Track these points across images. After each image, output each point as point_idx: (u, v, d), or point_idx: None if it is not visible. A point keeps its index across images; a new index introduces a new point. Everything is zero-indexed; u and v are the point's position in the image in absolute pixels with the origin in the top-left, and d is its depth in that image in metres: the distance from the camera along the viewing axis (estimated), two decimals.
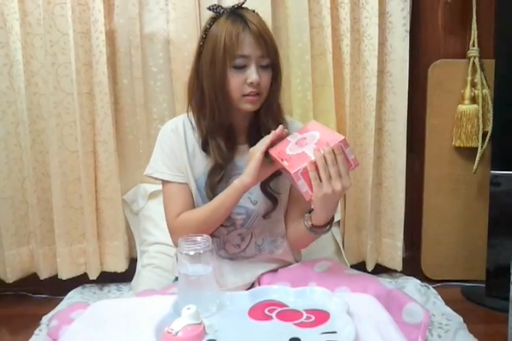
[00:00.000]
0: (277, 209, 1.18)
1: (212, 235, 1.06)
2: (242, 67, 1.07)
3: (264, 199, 1.16)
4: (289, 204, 1.22)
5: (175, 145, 1.16)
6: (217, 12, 1.10)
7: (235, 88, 1.08)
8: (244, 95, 1.09)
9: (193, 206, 1.17)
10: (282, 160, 1.00)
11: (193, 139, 1.16)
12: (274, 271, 1.21)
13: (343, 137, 0.98)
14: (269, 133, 1.06)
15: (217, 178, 1.12)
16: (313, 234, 1.11)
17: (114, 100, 1.64)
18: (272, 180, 1.14)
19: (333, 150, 0.95)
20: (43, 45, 1.56)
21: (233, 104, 1.11)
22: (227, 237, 1.18)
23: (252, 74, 1.07)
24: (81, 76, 1.58)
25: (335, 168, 0.95)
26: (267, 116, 1.14)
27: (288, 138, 1.05)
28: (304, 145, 1.00)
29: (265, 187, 1.15)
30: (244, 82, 1.07)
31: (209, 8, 1.12)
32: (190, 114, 1.17)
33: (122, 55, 1.62)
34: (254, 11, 1.13)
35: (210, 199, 1.11)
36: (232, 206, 1.09)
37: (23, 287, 1.71)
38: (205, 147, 1.14)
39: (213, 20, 1.10)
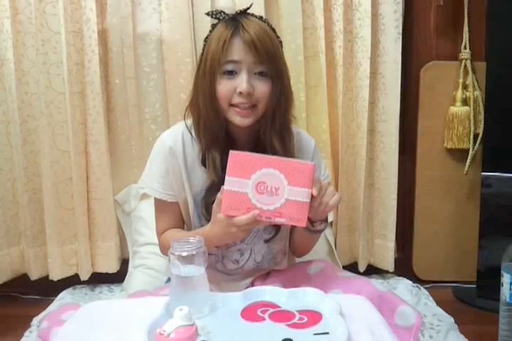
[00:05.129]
0: (280, 232, 1.15)
1: (209, 252, 1.00)
2: (232, 73, 1.00)
3: None
4: None
5: (171, 164, 1.09)
6: (217, 18, 1.05)
7: (223, 96, 1.00)
8: (232, 105, 1.01)
9: (181, 223, 1.15)
10: (270, 218, 0.91)
11: (193, 153, 1.09)
12: (267, 273, 1.21)
13: (311, 164, 0.91)
14: (274, 152, 1.01)
15: (212, 198, 1.01)
16: (309, 233, 1.05)
17: (106, 100, 1.63)
18: None
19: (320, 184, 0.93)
20: (35, 44, 1.55)
21: (223, 115, 1.03)
22: (226, 252, 1.15)
23: (242, 82, 0.98)
24: (73, 75, 1.57)
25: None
26: (268, 132, 1.04)
27: (233, 189, 0.90)
28: (273, 192, 0.90)
29: None
30: (234, 90, 0.99)
31: (207, 14, 1.06)
32: (189, 122, 1.10)
33: (115, 55, 1.61)
34: (261, 18, 1.06)
35: (205, 218, 1.05)
36: (209, 247, 0.96)
37: (14, 288, 1.69)
38: (204, 161, 1.07)
39: (213, 26, 1.05)
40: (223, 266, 1.16)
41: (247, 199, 0.90)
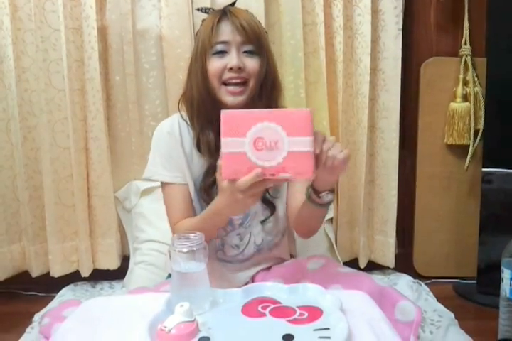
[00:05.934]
0: (276, 211, 1.16)
1: (211, 238, 1.02)
2: (222, 53, 1.05)
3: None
4: (289, 198, 1.16)
5: (172, 147, 1.12)
6: (206, 12, 1.11)
7: (214, 73, 1.04)
8: (225, 83, 1.04)
9: (192, 211, 1.14)
10: (274, 174, 0.83)
11: (190, 140, 1.13)
12: (268, 268, 1.21)
13: (307, 110, 0.83)
14: None
15: (210, 180, 1.07)
16: (315, 206, 1.01)
17: (106, 97, 1.64)
18: (269, 189, 1.10)
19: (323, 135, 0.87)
20: (34, 41, 1.55)
21: (215, 94, 1.06)
22: (226, 238, 1.15)
23: (232, 58, 1.03)
24: (73, 72, 1.57)
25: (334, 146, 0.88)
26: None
27: (230, 150, 0.82)
28: (272, 146, 0.82)
29: (263, 195, 1.10)
30: (225, 67, 1.04)
31: (198, 9, 1.13)
32: (183, 112, 1.14)
33: (114, 52, 1.61)
34: (247, 11, 1.11)
35: (206, 202, 1.07)
36: (223, 221, 1.02)
37: (15, 285, 1.70)
38: (199, 146, 1.11)
39: (203, 21, 1.10)
40: (224, 254, 1.17)
41: (247, 159, 0.82)
